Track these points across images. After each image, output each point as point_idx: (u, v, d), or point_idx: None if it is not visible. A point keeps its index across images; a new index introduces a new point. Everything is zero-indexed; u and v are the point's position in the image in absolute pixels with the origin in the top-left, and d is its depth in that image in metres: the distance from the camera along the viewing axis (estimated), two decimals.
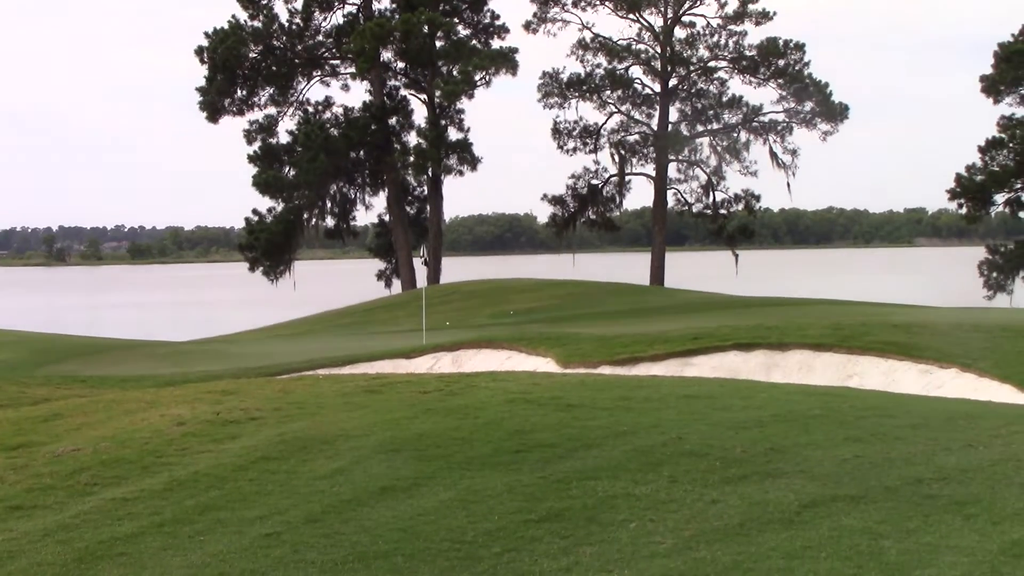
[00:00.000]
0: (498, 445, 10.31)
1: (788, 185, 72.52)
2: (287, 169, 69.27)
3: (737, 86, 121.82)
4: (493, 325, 43.00)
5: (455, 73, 67.54)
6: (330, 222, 72.65)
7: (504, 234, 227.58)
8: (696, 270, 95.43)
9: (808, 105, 69.47)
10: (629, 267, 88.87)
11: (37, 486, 9.60)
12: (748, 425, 11.07)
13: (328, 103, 71.19)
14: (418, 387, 13.25)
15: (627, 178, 73.77)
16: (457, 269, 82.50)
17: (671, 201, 73.45)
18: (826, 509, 8.44)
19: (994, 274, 66.77)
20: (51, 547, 8.09)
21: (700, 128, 72.44)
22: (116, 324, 66.50)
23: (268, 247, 69.88)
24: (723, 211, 73.37)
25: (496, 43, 70.46)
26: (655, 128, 72.02)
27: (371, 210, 73.71)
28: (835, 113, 69.20)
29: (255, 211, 70.74)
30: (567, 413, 11.57)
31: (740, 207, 73.32)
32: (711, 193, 73.19)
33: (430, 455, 10.03)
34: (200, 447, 10.58)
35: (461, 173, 68.91)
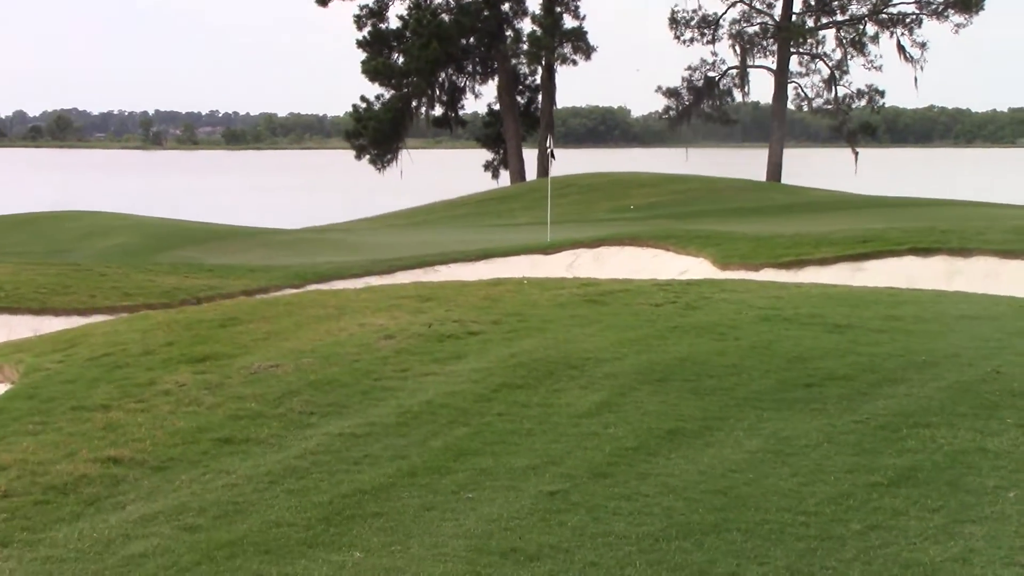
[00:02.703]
0: (780, 376, 8.51)
1: (916, 80, 69.50)
2: (396, 56, 67.21)
3: None
4: (614, 220, 41.18)
5: None
6: (438, 111, 70.70)
7: (597, 127, 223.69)
8: (805, 167, 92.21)
9: None
10: (737, 163, 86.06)
11: (242, 413, 7.92)
12: None
13: None
14: (642, 297, 11.41)
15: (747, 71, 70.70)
16: (561, 162, 79.92)
17: (789, 95, 70.36)
18: None
19: None
20: (283, 500, 6.44)
21: (825, 20, 69.15)
22: (225, 209, 64.95)
23: (376, 135, 68.05)
24: (844, 107, 70.23)
25: None
26: (777, 19, 68.73)
27: (480, 99, 71.54)
28: (971, 4, 65.31)
29: (363, 98, 68.86)
30: (840, 336, 9.73)
31: (863, 103, 70.11)
32: (833, 88, 70.02)
33: (705, 387, 8.25)
34: (422, 368, 8.85)
35: (575, 62, 66.30)
